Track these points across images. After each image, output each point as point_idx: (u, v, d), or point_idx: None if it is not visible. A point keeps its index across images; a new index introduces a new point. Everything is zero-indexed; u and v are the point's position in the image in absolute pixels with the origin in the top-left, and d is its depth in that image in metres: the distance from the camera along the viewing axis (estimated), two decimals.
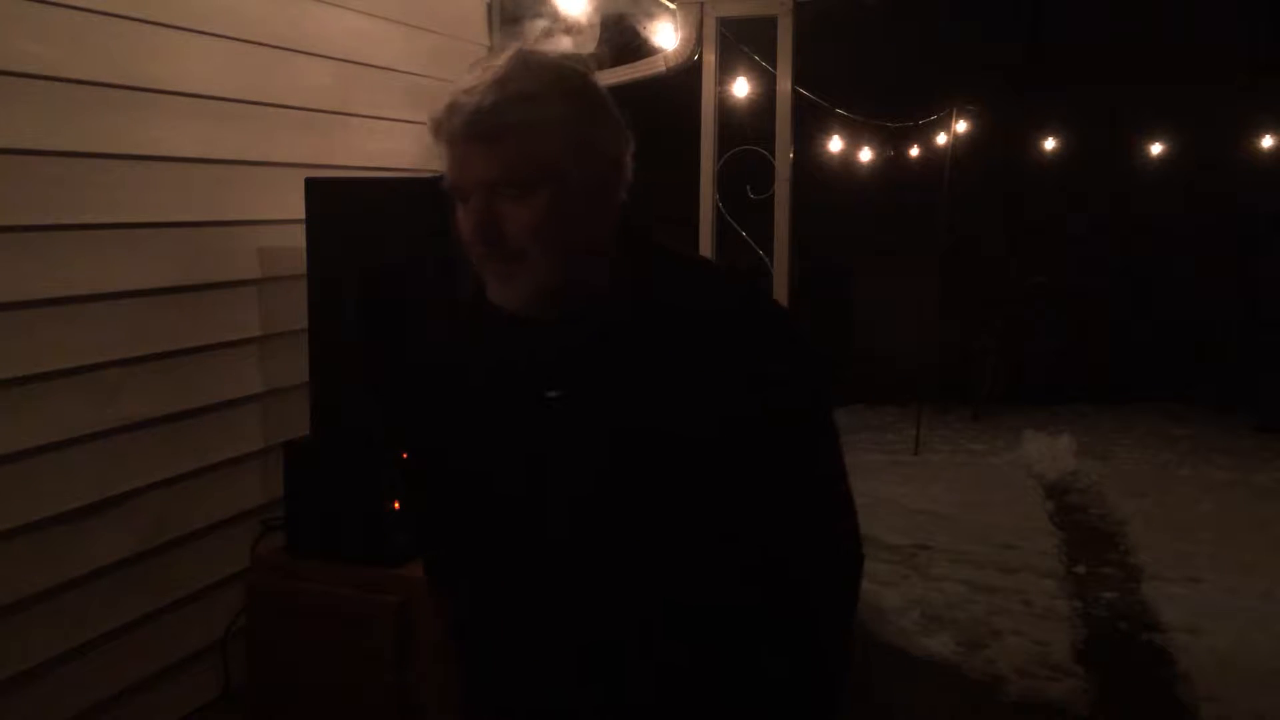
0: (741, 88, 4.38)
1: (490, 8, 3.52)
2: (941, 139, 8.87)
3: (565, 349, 1.25)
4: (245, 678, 2.50)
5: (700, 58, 3.51)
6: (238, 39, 2.53)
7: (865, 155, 9.17)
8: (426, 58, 3.18)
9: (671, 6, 3.47)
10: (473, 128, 1.18)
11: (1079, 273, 10.12)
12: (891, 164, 9.59)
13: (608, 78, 3.45)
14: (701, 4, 3.44)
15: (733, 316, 1.25)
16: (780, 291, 3.49)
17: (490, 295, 1.24)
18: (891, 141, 9.32)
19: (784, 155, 3.50)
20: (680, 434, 1.19)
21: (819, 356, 1.29)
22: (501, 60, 1.22)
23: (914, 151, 9.56)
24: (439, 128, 1.21)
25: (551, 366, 1.25)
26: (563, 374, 1.25)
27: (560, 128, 1.19)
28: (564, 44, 3.38)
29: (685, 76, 3.55)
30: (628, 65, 3.49)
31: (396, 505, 2.29)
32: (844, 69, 7.26)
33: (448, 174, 1.23)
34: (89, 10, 2.15)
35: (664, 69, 3.49)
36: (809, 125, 7.80)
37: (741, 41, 3.89)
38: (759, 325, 1.27)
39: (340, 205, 2.42)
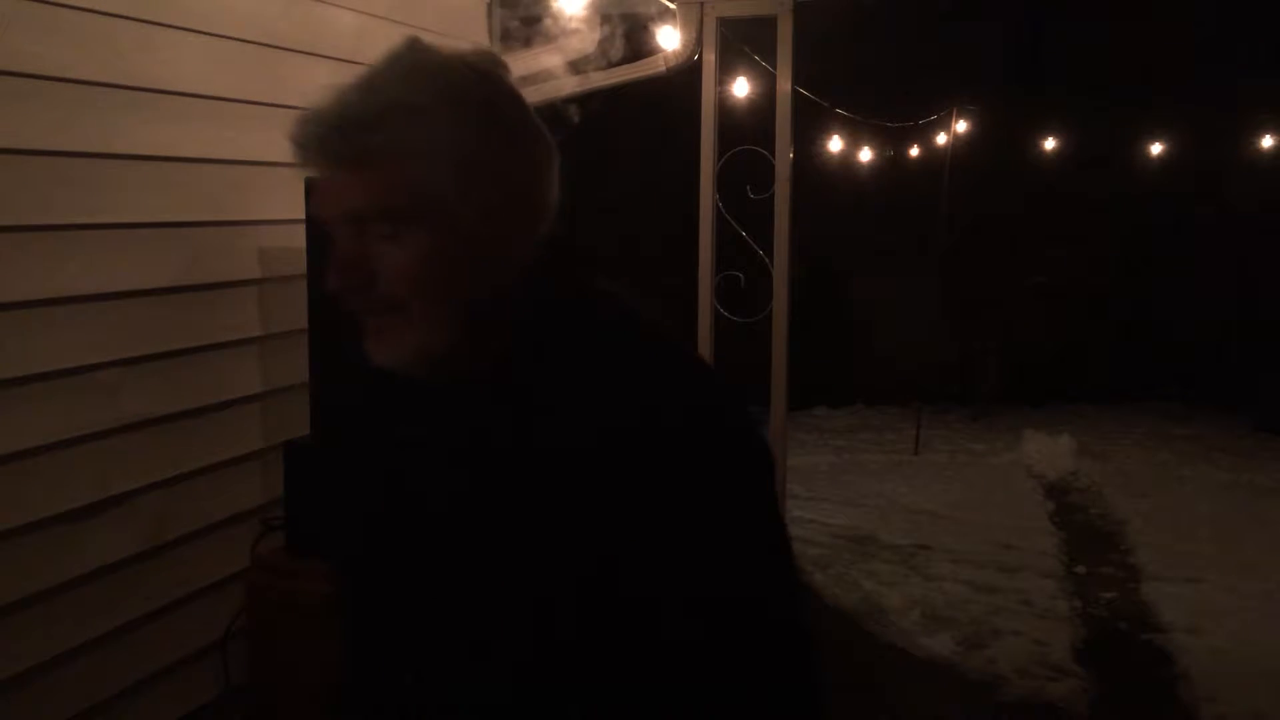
0: (741, 88, 4.38)
1: (490, 7, 3.52)
2: (941, 139, 8.88)
3: (448, 420, 1.02)
4: (245, 678, 2.50)
5: (700, 58, 3.50)
6: (238, 39, 2.53)
7: (865, 155, 9.17)
8: None
9: (671, 6, 3.47)
10: (333, 147, 0.95)
11: (1079, 273, 10.13)
12: (891, 164, 9.60)
13: (608, 78, 3.45)
14: (701, 4, 3.44)
15: (653, 429, 0.95)
16: (780, 291, 3.49)
17: (367, 350, 1.01)
18: (891, 141, 9.33)
19: (784, 155, 3.50)
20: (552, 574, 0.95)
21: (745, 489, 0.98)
22: (381, 57, 0.99)
23: (914, 151, 9.57)
24: (295, 144, 0.97)
25: (434, 435, 1.04)
26: (445, 450, 1.02)
27: (447, 147, 0.94)
28: (563, 44, 3.38)
29: (685, 76, 3.55)
30: (628, 65, 3.49)
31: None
32: (844, 69, 7.27)
33: (312, 201, 0.98)
34: (90, 10, 2.15)
35: (664, 69, 3.49)
36: (809, 125, 7.80)
37: (741, 41, 3.89)
38: (682, 443, 0.95)
39: None
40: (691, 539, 0.94)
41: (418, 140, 0.94)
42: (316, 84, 0.99)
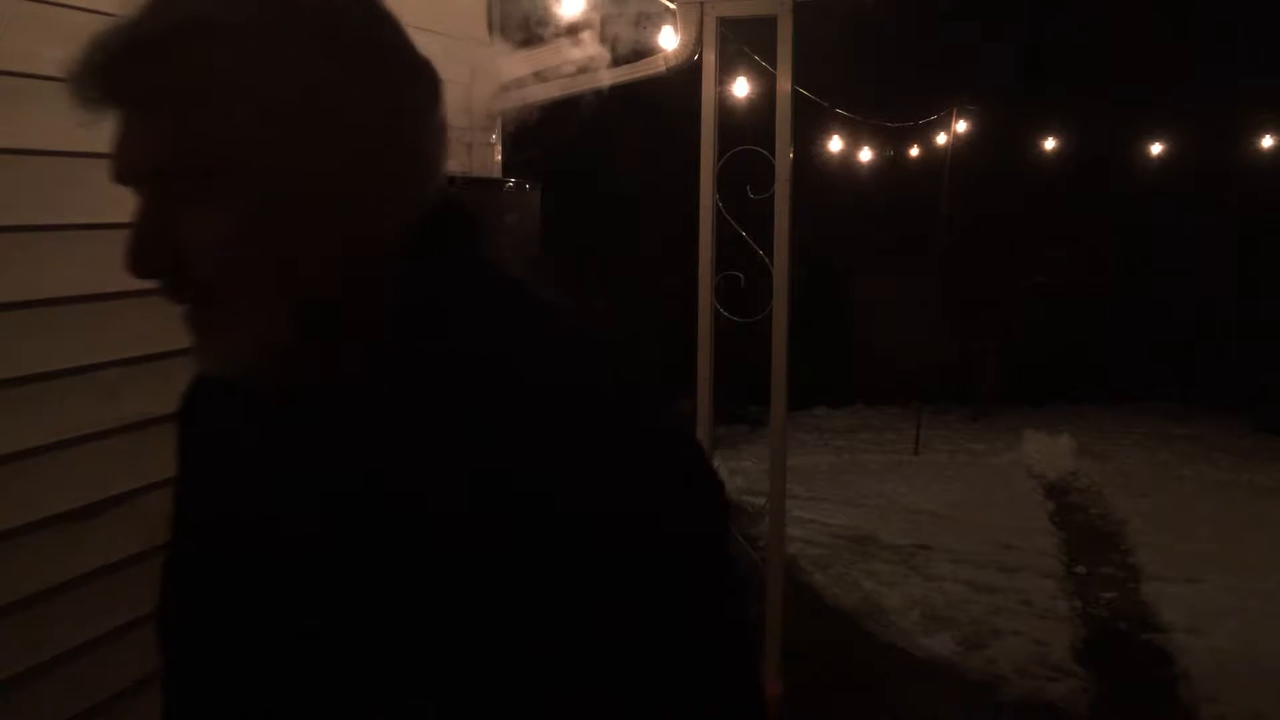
0: (741, 88, 4.39)
1: (490, 7, 3.52)
2: (941, 139, 8.89)
3: (290, 438, 0.79)
4: None
5: (700, 58, 3.51)
6: None
7: (865, 155, 9.19)
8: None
9: (671, 6, 3.47)
10: (118, 81, 0.72)
11: (1079, 273, 10.14)
12: (891, 164, 9.61)
13: (607, 77, 3.45)
14: (701, 4, 3.44)
15: (554, 435, 0.71)
16: (780, 291, 3.49)
17: (191, 353, 0.77)
18: (891, 141, 9.34)
19: (784, 155, 3.50)
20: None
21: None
22: None
23: (914, 151, 9.58)
24: (72, 79, 0.73)
25: (276, 456, 0.81)
26: (289, 476, 0.80)
27: (273, 76, 0.70)
28: (563, 43, 3.38)
29: (685, 76, 3.56)
30: (628, 65, 3.49)
31: None
32: (844, 69, 7.27)
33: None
34: (90, 10, 2.15)
35: (664, 69, 3.49)
36: (809, 125, 7.81)
37: (741, 41, 3.89)
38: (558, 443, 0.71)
39: None
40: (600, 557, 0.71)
41: (230, 67, 0.70)
42: None
